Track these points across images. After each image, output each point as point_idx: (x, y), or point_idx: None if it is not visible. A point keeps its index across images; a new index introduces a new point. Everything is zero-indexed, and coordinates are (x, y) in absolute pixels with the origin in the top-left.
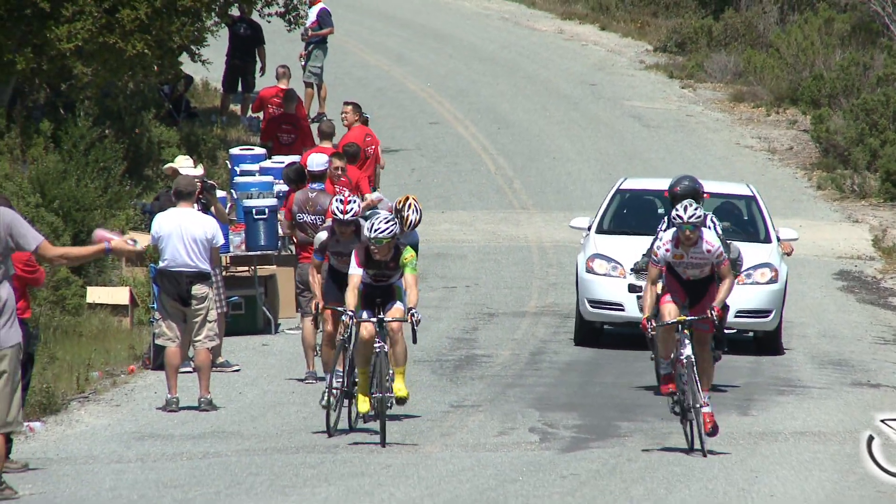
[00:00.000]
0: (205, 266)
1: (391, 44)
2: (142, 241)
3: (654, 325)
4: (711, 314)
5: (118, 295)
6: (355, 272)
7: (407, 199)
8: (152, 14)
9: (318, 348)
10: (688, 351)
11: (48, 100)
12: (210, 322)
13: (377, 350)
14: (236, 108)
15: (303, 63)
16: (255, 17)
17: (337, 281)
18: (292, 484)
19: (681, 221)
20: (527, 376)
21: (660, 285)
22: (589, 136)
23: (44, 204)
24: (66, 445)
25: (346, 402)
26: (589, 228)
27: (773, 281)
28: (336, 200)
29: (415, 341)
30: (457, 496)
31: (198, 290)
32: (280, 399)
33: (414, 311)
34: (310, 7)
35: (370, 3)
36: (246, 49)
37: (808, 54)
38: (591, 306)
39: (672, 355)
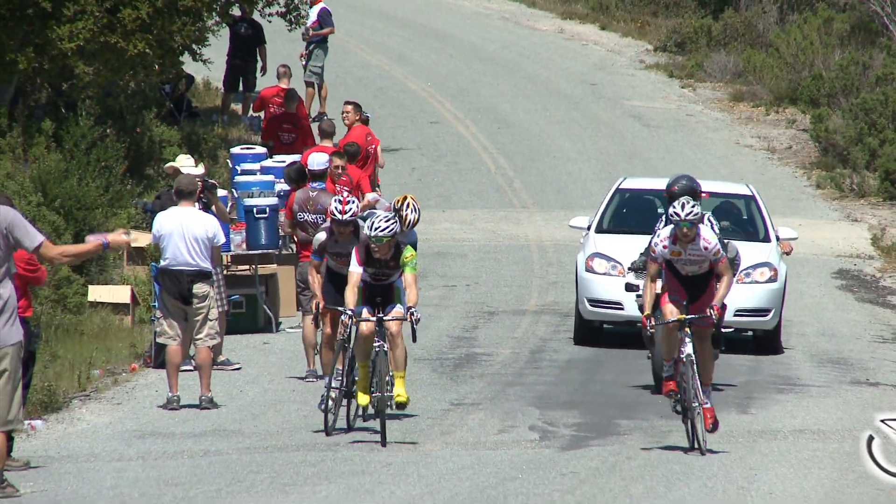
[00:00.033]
0: (206, 265)
1: (392, 43)
2: (143, 240)
3: (654, 322)
4: (711, 314)
5: (119, 293)
6: (355, 269)
7: (405, 198)
8: (154, 14)
9: (318, 347)
10: (688, 349)
11: (50, 99)
12: (211, 320)
13: (376, 349)
14: (237, 107)
15: (303, 63)
16: (256, 16)
17: (335, 283)
18: (293, 482)
19: (678, 219)
20: (527, 374)
21: (659, 283)
22: (589, 136)
23: (45, 203)
24: (68, 443)
25: (344, 401)
26: (588, 228)
27: (772, 280)
28: (335, 201)
29: (414, 340)
30: (457, 494)
31: (199, 288)
32: (281, 397)
33: (413, 309)
34: (310, 7)
35: (371, 2)
36: (247, 49)
37: (807, 54)
38: (591, 305)
39: (675, 356)
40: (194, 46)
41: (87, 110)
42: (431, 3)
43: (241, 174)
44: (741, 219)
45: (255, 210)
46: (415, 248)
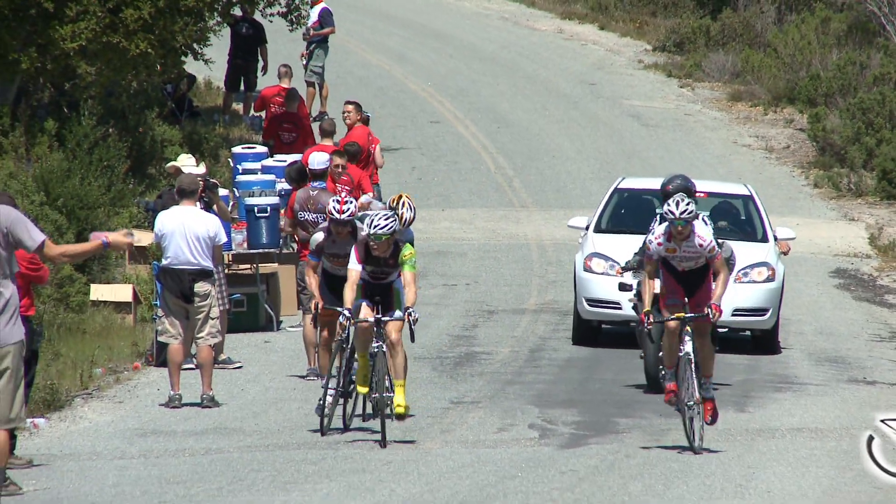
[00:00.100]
0: (207, 263)
1: (392, 43)
2: (144, 239)
3: (653, 319)
4: (711, 314)
5: (121, 292)
6: (355, 267)
7: (400, 196)
8: (155, 14)
9: (318, 347)
10: (687, 347)
11: (52, 99)
12: (212, 319)
13: (375, 350)
14: (238, 107)
15: (304, 62)
16: (257, 16)
17: (330, 284)
18: (294, 480)
19: (673, 216)
20: (526, 373)
21: (658, 283)
22: (588, 135)
23: (48, 202)
24: (70, 442)
25: (340, 401)
26: (587, 228)
27: (769, 280)
28: (332, 200)
29: (413, 340)
30: (457, 492)
31: (200, 287)
32: (282, 396)
33: (411, 310)
34: (311, 7)
35: (371, 3)
36: (248, 48)
37: (805, 54)
38: (589, 305)
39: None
40: (196, 46)
41: (90, 110)
42: (431, 3)
43: (242, 173)
44: (739, 219)
45: (256, 209)
46: (412, 246)
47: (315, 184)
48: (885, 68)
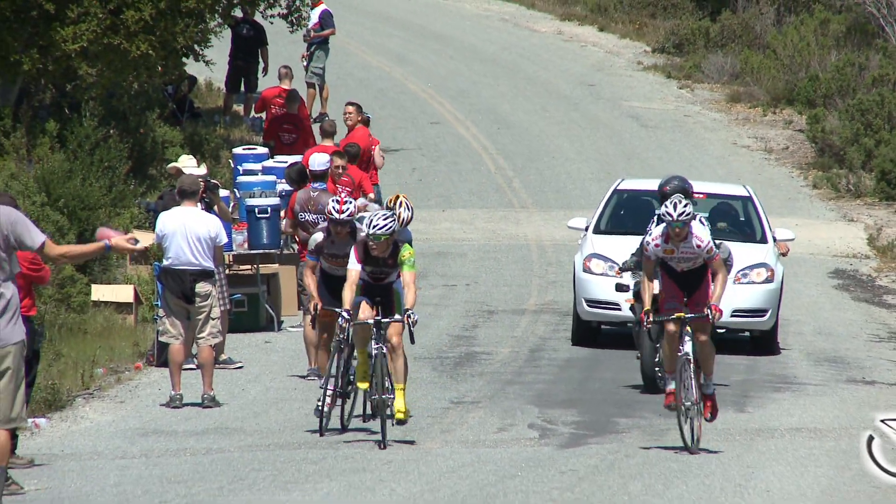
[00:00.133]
0: (208, 264)
1: (392, 45)
2: (145, 239)
3: (652, 318)
4: (711, 315)
5: (122, 293)
6: (354, 267)
7: (398, 197)
8: (156, 15)
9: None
10: (687, 347)
11: (54, 100)
12: (213, 319)
13: (375, 352)
14: (239, 108)
15: (305, 64)
16: (257, 18)
17: (328, 285)
18: (294, 479)
19: (670, 219)
20: (526, 373)
21: (657, 284)
22: (588, 136)
23: (49, 203)
24: (71, 442)
25: (338, 401)
26: (586, 229)
27: (768, 281)
28: (332, 200)
29: (412, 342)
30: (457, 492)
31: (201, 287)
32: (282, 395)
33: (410, 311)
34: (312, 9)
35: (371, 4)
36: (249, 50)
37: (804, 55)
38: (588, 306)
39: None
40: (197, 48)
41: (91, 111)
42: (431, 5)
43: (242, 174)
44: (738, 220)
45: (256, 210)
46: (411, 246)
47: (315, 185)
48: (883, 70)
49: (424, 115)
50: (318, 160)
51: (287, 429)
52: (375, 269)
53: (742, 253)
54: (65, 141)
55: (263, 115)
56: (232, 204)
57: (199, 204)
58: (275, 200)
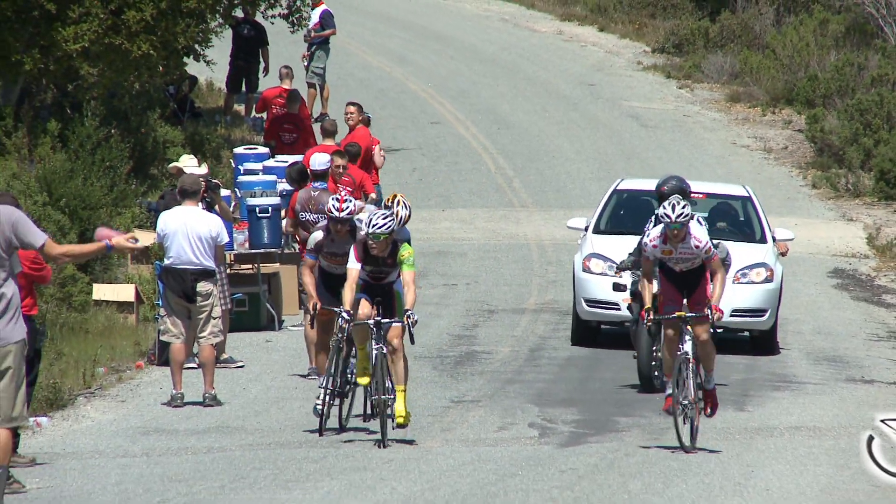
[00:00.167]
0: (209, 263)
1: (393, 45)
2: (146, 239)
3: (652, 316)
4: (711, 315)
5: (124, 292)
6: (354, 266)
7: (395, 196)
8: (157, 15)
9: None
10: (686, 347)
11: (55, 100)
12: (214, 318)
13: (375, 352)
14: (240, 108)
15: (305, 64)
16: (258, 18)
17: (327, 284)
18: (295, 478)
19: (669, 220)
20: (526, 372)
21: (656, 284)
22: (588, 136)
23: (51, 202)
24: (73, 440)
25: (336, 401)
26: (586, 228)
27: (768, 280)
28: (332, 198)
29: (412, 342)
30: (457, 490)
31: (202, 287)
32: (283, 394)
33: (410, 312)
34: (312, 9)
35: (372, 5)
36: (250, 50)
37: (803, 55)
38: (588, 305)
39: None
40: (198, 48)
41: (92, 111)
42: (432, 5)
43: (243, 174)
44: (738, 220)
45: (257, 209)
46: (410, 245)
47: (316, 184)
48: (882, 69)
49: (425, 115)
50: (319, 160)
51: (288, 427)
52: (375, 269)
53: (741, 253)
54: (66, 141)
55: (264, 115)
56: (233, 203)
57: (200, 203)
58: (275, 200)
